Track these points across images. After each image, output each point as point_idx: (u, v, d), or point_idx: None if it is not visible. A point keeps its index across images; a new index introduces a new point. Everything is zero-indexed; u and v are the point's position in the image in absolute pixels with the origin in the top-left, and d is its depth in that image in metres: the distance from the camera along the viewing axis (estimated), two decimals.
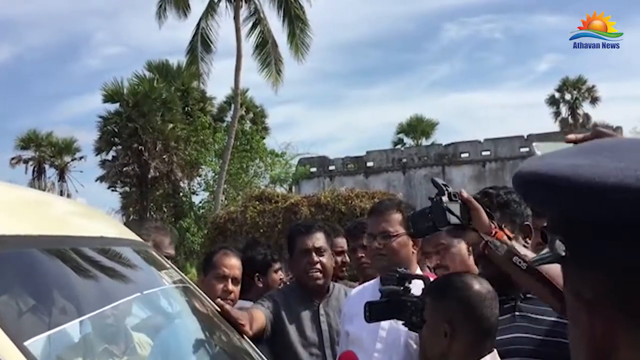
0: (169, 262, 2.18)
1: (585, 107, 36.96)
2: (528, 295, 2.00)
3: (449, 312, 1.71)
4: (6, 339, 0.96)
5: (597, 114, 37.52)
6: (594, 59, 62.93)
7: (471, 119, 66.29)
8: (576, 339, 0.58)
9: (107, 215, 2.46)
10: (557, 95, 37.45)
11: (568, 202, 0.54)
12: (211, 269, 2.87)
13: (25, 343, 1.01)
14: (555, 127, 35.88)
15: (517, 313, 2.00)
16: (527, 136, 29.14)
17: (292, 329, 2.66)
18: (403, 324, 1.94)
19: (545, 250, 0.61)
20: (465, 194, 1.74)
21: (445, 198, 1.69)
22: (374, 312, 1.96)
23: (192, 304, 1.99)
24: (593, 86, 36.90)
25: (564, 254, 0.56)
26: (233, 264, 2.88)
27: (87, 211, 1.99)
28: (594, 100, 36.88)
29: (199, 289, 2.17)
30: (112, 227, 1.91)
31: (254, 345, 2.10)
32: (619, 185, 0.50)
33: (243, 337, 2.12)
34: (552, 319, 1.90)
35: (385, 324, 2.23)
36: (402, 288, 1.94)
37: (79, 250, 1.49)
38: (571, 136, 1.31)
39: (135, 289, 1.68)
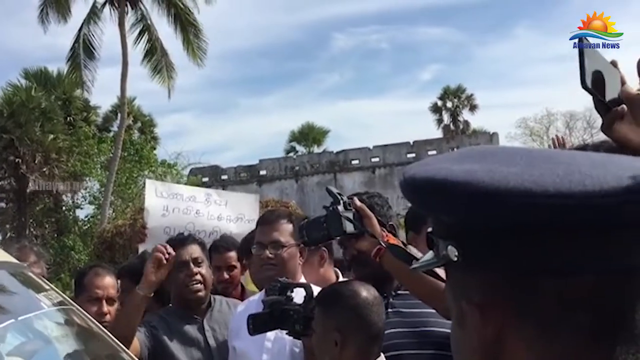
0: (49, 283, 2.08)
1: (465, 114, 39.25)
2: (399, 292, 2.12)
3: (339, 321, 1.73)
4: None
5: (476, 121, 39.93)
6: (472, 69, 67.02)
7: (360, 126, 68.33)
8: (462, 340, 0.59)
9: None
10: (439, 103, 39.47)
11: (469, 209, 0.54)
12: (83, 292, 2.70)
13: None
14: (438, 133, 37.79)
15: (389, 310, 2.09)
16: (413, 143, 30.45)
17: (176, 350, 2.56)
18: (287, 334, 1.96)
19: (429, 254, 0.62)
20: (357, 203, 1.78)
21: (340, 207, 1.72)
22: (257, 325, 1.95)
23: (74, 326, 1.91)
24: (471, 95, 39.29)
25: (455, 258, 0.56)
26: (106, 283, 2.72)
27: None
28: (473, 108, 39.25)
29: (81, 310, 2.09)
30: None
31: None
32: (520, 190, 0.51)
33: (130, 357, 2.06)
34: (422, 310, 2.02)
35: (270, 334, 2.23)
36: (284, 297, 1.94)
37: None
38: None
39: (10, 314, 1.59)
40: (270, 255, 2.32)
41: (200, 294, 2.66)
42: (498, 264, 0.55)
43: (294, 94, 77.46)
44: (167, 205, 3.85)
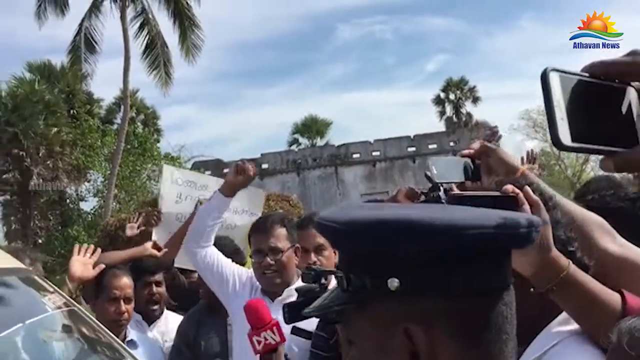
0: (54, 286, 2.24)
1: (468, 106, 39.24)
2: None
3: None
4: None
5: (479, 113, 39.91)
6: (477, 60, 66.77)
7: (364, 117, 68.33)
8: None
9: None
10: (442, 95, 39.45)
11: (427, 242, 0.63)
12: (102, 292, 2.91)
13: None
14: (441, 125, 37.81)
15: None
16: (414, 136, 30.54)
17: (201, 347, 2.85)
18: (320, 322, 2.00)
19: (333, 294, 0.72)
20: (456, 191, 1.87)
21: (441, 193, 1.81)
22: (292, 313, 2.02)
23: (77, 328, 2.07)
24: (474, 86, 39.24)
25: (394, 289, 0.65)
26: (123, 284, 2.93)
27: None
28: (475, 100, 39.21)
29: (84, 311, 2.25)
30: None
31: None
32: (467, 225, 0.63)
33: (134, 359, 2.20)
34: None
35: None
36: (318, 285, 1.95)
37: None
38: (465, 152, 1.55)
39: (19, 318, 1.75)
40: (271, 262, 2.51)
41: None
42: (436, 290, 0.65)
43: (297, 86, 77.69)
44: (181, 192, 3.97)
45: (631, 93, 0.68)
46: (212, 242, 2.76)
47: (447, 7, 78.27)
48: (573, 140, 0.65)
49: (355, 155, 30.27)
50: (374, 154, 30.24)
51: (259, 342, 1.86)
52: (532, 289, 1.22)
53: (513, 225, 0.66)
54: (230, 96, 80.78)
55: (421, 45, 75.99)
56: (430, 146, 28.45)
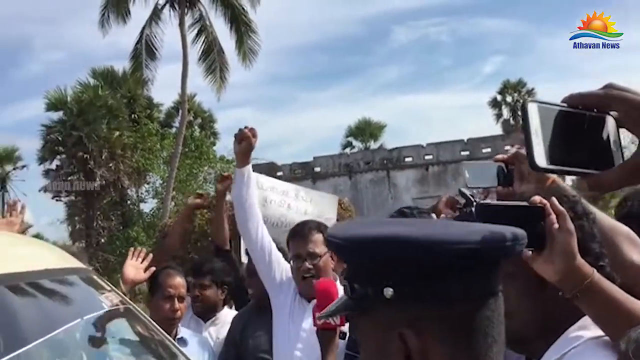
0: (111, 285, 2.41)
1: None
2: None
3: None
4: None
5: None
6: (533, 62, 65.12)
7: (419, 120, 67.70)
8: None
9: (51, 246, 2.66)
10: (499, 97, 38.64)
11: (416, 256, 0.71)
12: (157, 290, 3.10)
13: None
14: (497, 128, 37.05)
15: None
16: (467, 140, 30.01)
17: (248, 345, 3.00)
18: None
19: (340, 300, 0.80)
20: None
21: (474, 209, 1.88)
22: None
23: (132, 325, 2.22)
24: (532, 89, 38.16)
25: (389, 297, 0.73)
26: (177, 283, 3.11)
27: (31, 244, 2.18)
28: None
29: (138, 309, 2.41)
30: (57, 258, 2.12)
31: None
32: (455, 240, 0.71)
33: (184, 356, 2.35)
34: None
35: (305, 325, 2.53)
36: None
37: (31, 283, 1.72)
38: (499, 157, 1.60)
39: (78, 314, 1.91)
40: (309, 267, 2.64)
41: None
42: (426, 298, 0.73)
43: (351, 89, 77.61)
44: (267, 197, 4.14)
45: (609, 121, 0.76)
46: (259, 217, 2.87)
47: (504, 8, 76.72)
48: (550, 163, 0.74)
49: (407, 159, 30.01)
50: (426, 157, 29.88)
51: (320, 319, 1.99)
52: (560, 293, 1.27)
53: (498, 239, 0.74)
54: (284, 99, 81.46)
55: (478, 46, 74.63)
56: (485, 150, 27.81)
